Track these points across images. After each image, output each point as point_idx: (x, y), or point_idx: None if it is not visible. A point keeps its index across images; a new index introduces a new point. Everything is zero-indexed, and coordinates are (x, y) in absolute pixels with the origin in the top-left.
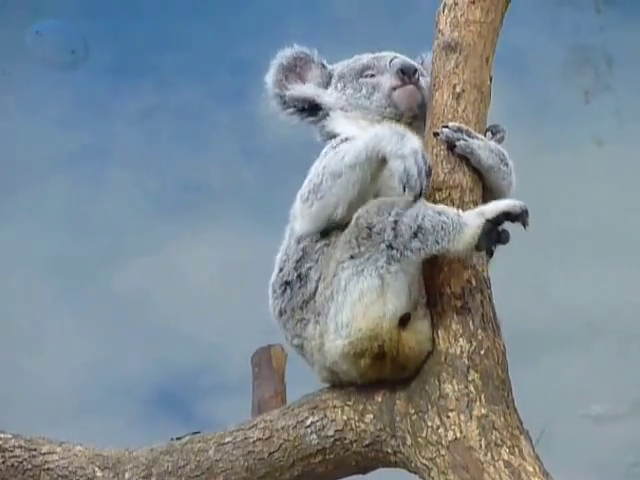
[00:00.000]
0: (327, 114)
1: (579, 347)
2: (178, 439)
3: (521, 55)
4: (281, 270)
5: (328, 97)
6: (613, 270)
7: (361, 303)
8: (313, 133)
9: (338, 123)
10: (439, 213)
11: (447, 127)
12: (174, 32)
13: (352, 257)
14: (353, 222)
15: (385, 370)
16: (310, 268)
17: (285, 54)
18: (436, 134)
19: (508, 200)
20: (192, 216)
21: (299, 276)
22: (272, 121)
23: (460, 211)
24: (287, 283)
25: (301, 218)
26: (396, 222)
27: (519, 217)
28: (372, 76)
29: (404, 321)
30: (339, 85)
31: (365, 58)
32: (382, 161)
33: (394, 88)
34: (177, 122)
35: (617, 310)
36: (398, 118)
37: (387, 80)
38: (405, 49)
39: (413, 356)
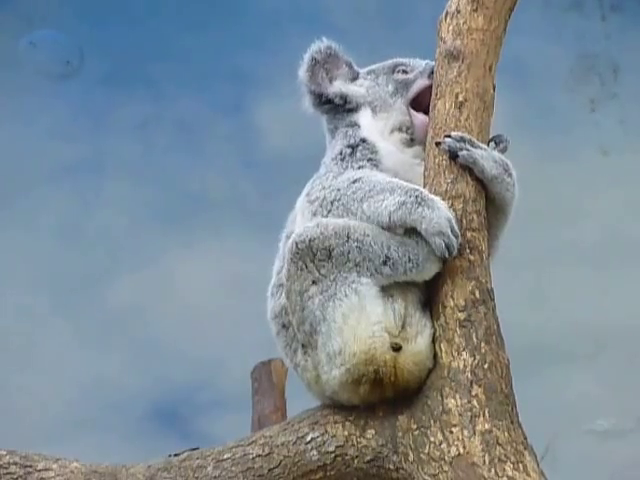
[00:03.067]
0: (356, 108)
1: (584, 361)
2: (176, 455)
3: (525, 63)
4: (278, 273)
5: (357, 88)
6: (619, 283)
7: (347, 326)
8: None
9: (365, 120)
10: (401, 243)
11: (449, 136)
12: (171, 42)
13: (314, 282)
14: (297, 246)
15: (387, 393)
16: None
17: (317, 49)
18: (438, 144)
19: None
20: (190, 228)
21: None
22: (273, 130)
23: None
24: (279, 286)
25: (302, 215)
26: (360, 248)
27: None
28: (405, 72)
29: (397, 348)
30: (370, 77)
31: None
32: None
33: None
34: (174, 133)
35: (623, 323)
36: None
37: (421, 76)
38: (405, 57)
39: (413, 378)
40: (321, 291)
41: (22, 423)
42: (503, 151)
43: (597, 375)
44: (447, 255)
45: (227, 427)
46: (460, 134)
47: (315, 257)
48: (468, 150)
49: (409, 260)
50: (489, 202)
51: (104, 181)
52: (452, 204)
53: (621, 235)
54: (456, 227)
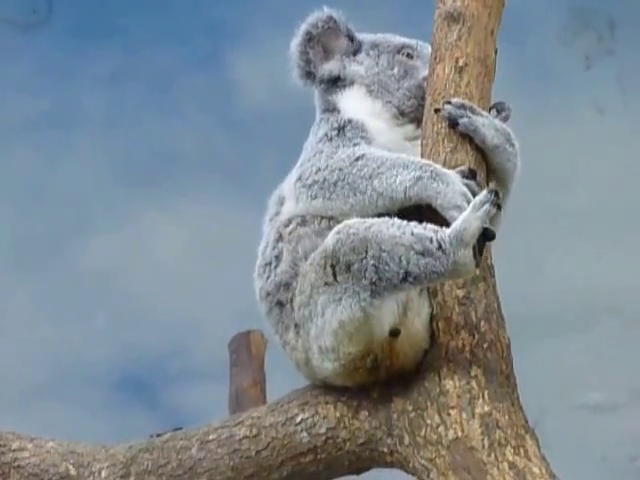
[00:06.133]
0: (349, 85)
1: (578, 331)
2: (158, 436)
3: (517, 18)
4: (263, 253)
5: (357, 66)
6: (615, 249)
7: (343, 331)
8: (311, 96)
9: (351, 100)
10: (422, 254)
11: (449, 103)
12: None
13: (327, 284)
14: (332, 246)
15: (381, 376)
16: (287, 250)
17: (315, 22)
18: (437, 110)
19: (468, 212)
20: (163, 188)
21: (277, 257)
22: (251, 85)
23: (438, 234)
24: (266, 265)
25: (296, 201)
26: (376, 267)
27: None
28: (410, 56)
29: (395, 333)
30: (372, 53)
31: (403, 38)
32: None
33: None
34: (147, 87)
35: (619, 292)
36: (415, 113)
37: (425, 67)
38: (399, 16)
39: (409, 360)
40: (331, 292)
41: None
42: (505, 119)
43: (591, 346)
44: None
45: (201, 399)
46: (460, 100)
47: (336, 266)
48: (469, 117)
49: (432, 272)
50: (490, 173)
51: (71, 138)
52: None
53: (617, 200)
54: (471, 198)
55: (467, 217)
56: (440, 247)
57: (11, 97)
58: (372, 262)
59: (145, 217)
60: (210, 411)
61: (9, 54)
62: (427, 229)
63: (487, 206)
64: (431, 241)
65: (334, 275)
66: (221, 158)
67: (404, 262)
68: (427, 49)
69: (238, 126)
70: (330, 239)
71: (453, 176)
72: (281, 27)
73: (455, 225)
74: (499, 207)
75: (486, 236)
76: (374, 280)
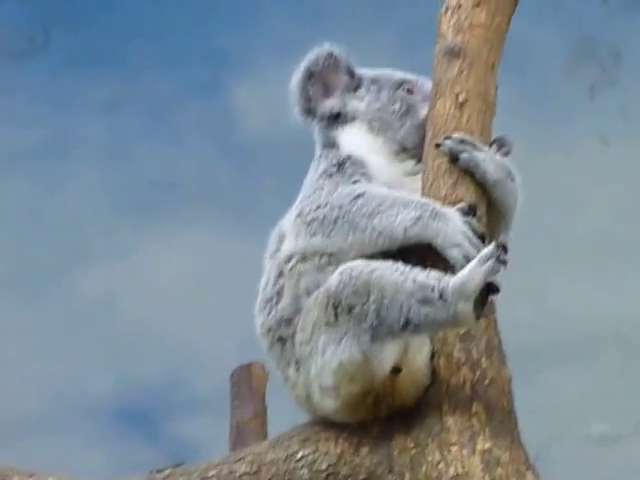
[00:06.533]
0: (349, 121)
1: (580, 361)
2: (159, 472)
3: (521, 48)
4: (264, 289)
5: (357, 102)
6: (618, 279)
7: (343, 371)
8: (311, 132)
9: (351, 135)
10: (423, 302)
11: (450, 138)
12: (143, 17)
13: (328, 324)
14: (334, 287)
15: (382, 412)
16: (288, 287)
17: (315, 59)
18: (438, 145)
19: (474, 265)
20: (162, 217)
21: (278, 293)
22: (251, 113)
23: (440, 284)
24: (268, 300)
25: (296, 238)
26: (377, 312)
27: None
28: (410, 92)
29: (396, 370)
30: (372, 89)
31: (403, 73)
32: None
33: None
34: (145, 116)
35: (623, 321)
36: (416, 149)
37: (425, 103)
38: (397, 43)
39: (410, 396)
40: (331, 332)
41: None
42: (506, 154)
43: (594, 376)
44: None
45: (202, 431)
46: (461, 136)
47: (337, 307)
48: (469, 153)
49: (432, 321)
50: (490, 208)
51: (69, 167)
52: None
53: (620, 229)
54: (473, 238)
55: (472, 270)
56: (441, 297)
57: (8, 126)
58: (373, 307)
59: (144, 246)
60: (211, 443)
61: (5, 82)
62: (430, 277)
63: (492, 262)
64: (432, 290)
65: (335, 316)
66: (221, 187)
67: (405, 310)
68: (427, 84)
69: (238, 154)
70: (333, 279)
71: (453, 214)
72: (282, 54)
73: (459, 276)
74: (504, 263)
75: (490, 290)
76: (375, 325)
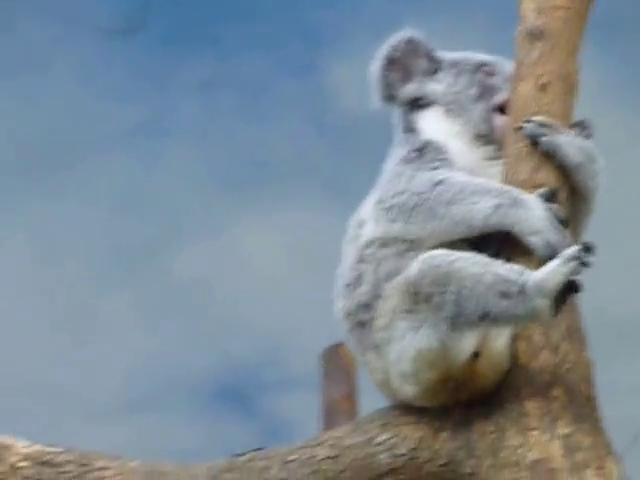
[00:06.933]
0: (429, 105)
1: None
2: (239, 455)
3: (616, 16)
4: (344, 274)
5: (436, 85)
6: None
7: (422, 358)
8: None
9: (431, 120)
10: (503, 296)
11: (531, 121)
12: None
13: (407, 311)
14: (414, 275)
15: (462, 397)
16: (368, 272)
17: (395, 45)
18: (519, 129)
19: (556, 264)
20: (256, 196)
21: (357, 278)
22: (346, 92)
23: (521, 278)
24: (347, 285)
25: (375, 224)
26: (456, 302)
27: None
28: (489, 74)
29: (476, 355)
30: (451, 72)
31: (483, 55)
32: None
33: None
34: (240, 94)
35: None
36: (490, 135)
37: (504, 85)
38: (489, 21)
39: (489, 381)
40: (410, 320)
41: (80, 400)
42: (588, 137)
43: None
44: (550, 254)
45: (295, 408)
46: (542, 119)
47: (417, 295)
48: (550, 136)
49: (511, 316)
50: (572, 192)
51: (165, 145)
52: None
53: None
54: (555, 224)
55: (553, 268)
56: (521, 292)
57: (105, 104)
58: (452, 297)
59: (240, 224)
60: (304, 419)
61: (104, 61)
62: (510, 271)
63: (574, 263)
64: (513, 284)
65: (414, 304)
66: (316, 165)
67: (483, 302)
68: (507, 66)
69: (333, 132)
70: (413, 268)
71: (533, 201)
72: (377, 32)
73: (540, 272)
74: (587, 266)
75: (571, 289)
76: (453, 315)
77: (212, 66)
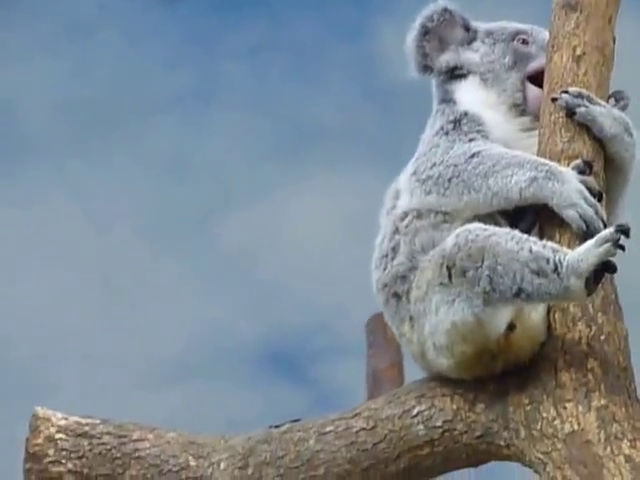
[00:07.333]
0: (465, 75)
1: None
2: (276, 427)
3: None
4: (380, 245)
5: (471, 54)
6: None
7: (456, 331)
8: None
9: (467, 91)
10: (537, 273)
11: (567, 92)
12: None
13: (442, 284)
14: (449, 248)
15: (498, 368)
16: (404, 243)
17: (430, 15)
18: (555, 99)
19: (591, 244)
20: (305, 161)
21: (393, 249)
22: (395, 58)
23: (557, 256)
24: (383, 257)
25: (411, 195)
26: (491, 277)
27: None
28: (525, 42)
29: (511, 327)
30: (487, 41)
31: (517, 24)
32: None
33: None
34: (289, 59)
35: None
36: (524, 105)
37: (540, 54)
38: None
39: (525, 352)
40: (445, 293)
41: (131, 368)
42: (623, 108)
43: None
44: (584, 227)
45: (345, 375)
46: (578, 90)
47: (452, 268)
48: (586, 107)
49: (545, 292)
50: (607, 163)
51: (214, 111)
52: (568, 165)
53: None
54: (589, 197)
55: (588, 249)
56: (555, 270)
57: (154, 69)
58: (487, 272)
59: (286, 190)
60: (352, 386)
61: (154, 27)
62: (546, 248)
63: (608, 245)
64: (548, 262)
65: (449, 277)
66: (365, 130)
67: (518, 278)
68: (543, 34)
69: (382, 98)
70: (449, 241)
71: (568, 174)
72: None
73: (575, 252)
74: (622, 248)
75: (607, 269)
76: (487, 290)
77: (261, 31)
